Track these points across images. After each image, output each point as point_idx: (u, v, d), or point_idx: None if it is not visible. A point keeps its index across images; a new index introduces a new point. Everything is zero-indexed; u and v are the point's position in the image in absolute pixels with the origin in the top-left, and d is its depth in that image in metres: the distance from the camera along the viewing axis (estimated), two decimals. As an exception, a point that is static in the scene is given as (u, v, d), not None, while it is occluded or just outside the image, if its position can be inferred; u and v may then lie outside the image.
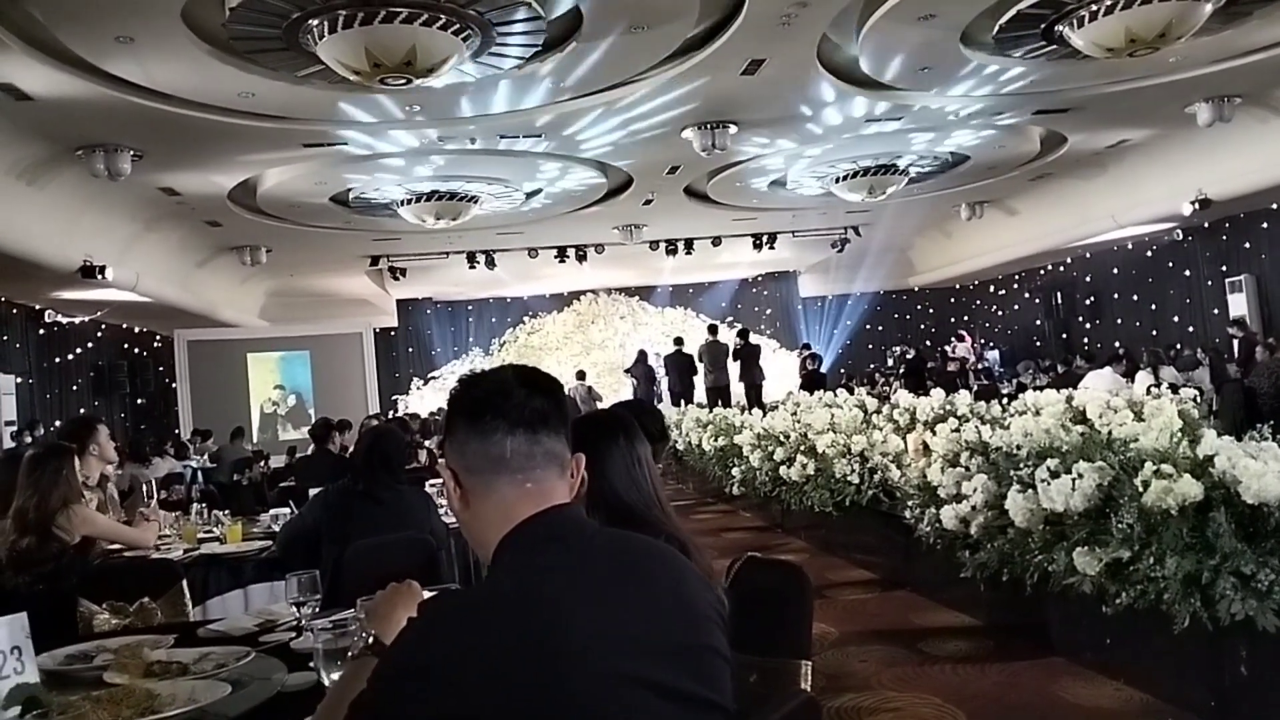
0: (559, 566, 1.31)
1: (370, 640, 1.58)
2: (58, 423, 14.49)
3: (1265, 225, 15.05)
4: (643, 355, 17.31)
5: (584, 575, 1.31)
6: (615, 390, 19.38)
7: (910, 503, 5.23)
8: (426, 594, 1.70)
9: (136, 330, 18.17)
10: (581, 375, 17.59)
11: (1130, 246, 17.58)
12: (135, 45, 7.30)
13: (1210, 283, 16.20)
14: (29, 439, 11.78)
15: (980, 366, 19.03)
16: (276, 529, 4.57)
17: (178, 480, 9.14)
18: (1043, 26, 8.36)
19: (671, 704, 1.25)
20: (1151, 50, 7.74)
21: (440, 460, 1.57)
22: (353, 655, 1.61)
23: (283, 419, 17.86)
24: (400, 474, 4.05)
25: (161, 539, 4.42)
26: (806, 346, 18.82)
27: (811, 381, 15.46)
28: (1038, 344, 20.21)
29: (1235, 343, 13.30)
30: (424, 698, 1.19)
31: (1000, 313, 22.08)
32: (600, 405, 16.27)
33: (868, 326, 22.70)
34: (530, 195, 13.50)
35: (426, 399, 19.62)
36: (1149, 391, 5.95)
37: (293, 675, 2.09)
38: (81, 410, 14.98)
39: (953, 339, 20.68)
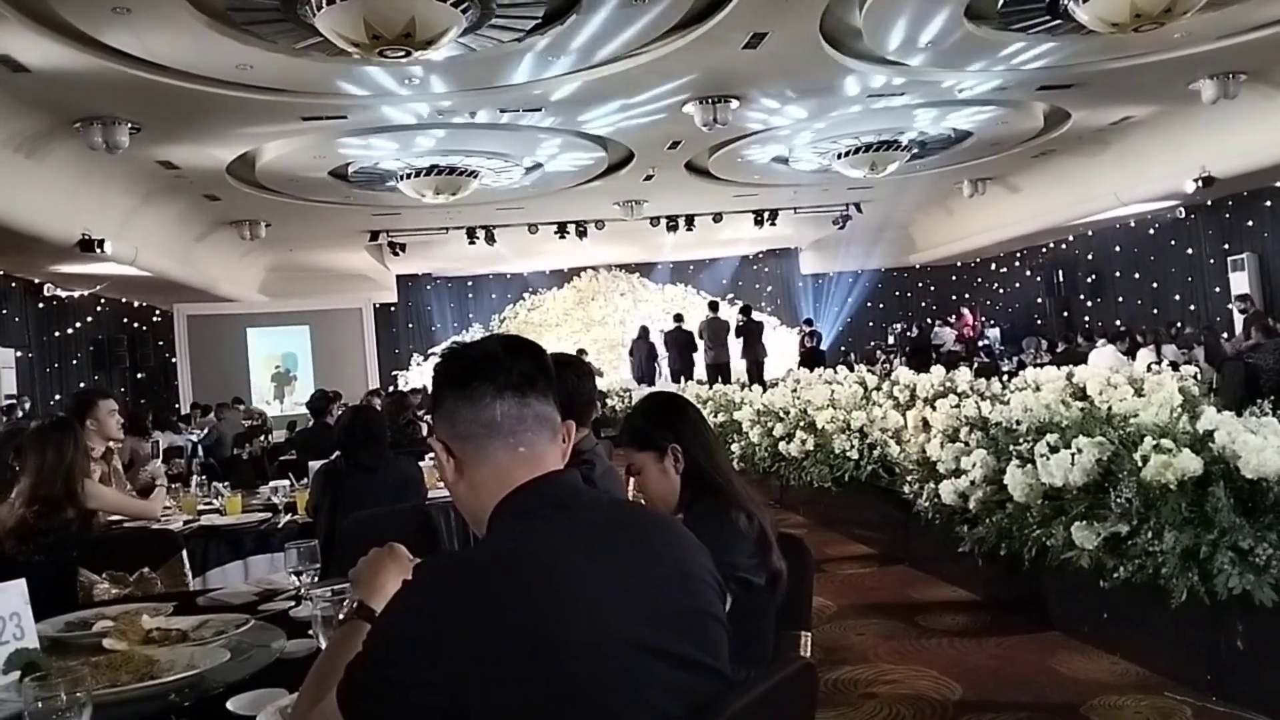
0: (557, 530, 1.31)
1: (355, 604, 1.59)
2: (57, 396, 14.52)
3: (1268, 203, 15.00)
4: (644, 331, 17.32)
5: (583, 540, 1.31)
6: (615, 367, 19.41)
7: (909, 478, 5.25)
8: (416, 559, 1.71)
9: (136, 305, 18.15)
10: (582, 353, 17.57)
11: (1133, 224, 17.52)
12: (132, 16, 7.24)
13: (1212, 261, 16.16)
14: (19, 414, 11.74)
15: (981, 345, 19.01)
16: (276, 501, 4.59)
17: (177, 454, 9.15)
18: (1047, 1, 8.29)
19: (671, 668, 1.25)
20: (1157, 25, 7.67)
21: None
22: (340, 620, 1.62)
23: (286, 392, 17.89)
24: (384, 446, 4.09)
25: (162, 510, 4.43)
26: (809, 322, 18.80)
27: (810, 358, 15.46)
28: (1039, 322, 20.19)
29: (1242, 319, 13.25)
30: (422, 660, 1.19)
31: (1001, 290, 22.03)
32: (599, 380, 16.37)
33: (868, 304, 22.67)
34: (530, 170, 13.44)
35: (427, 375, 19.62)
36: (1150, 368, 5.96)
37: (291, 642, 2.10)
38: (81, 384, 14.98)
39: (937, 323, 20.62)
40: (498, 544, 1.36)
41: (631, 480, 2.35)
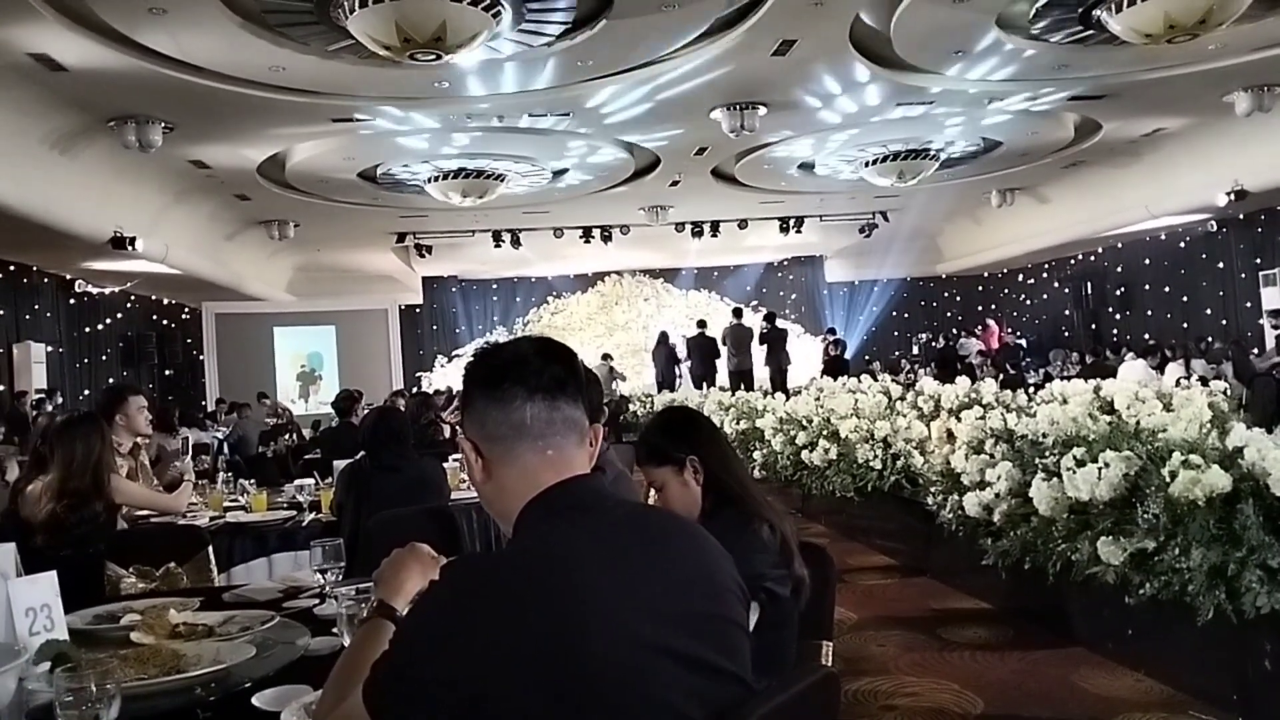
0: (582, 534, 1.31)
1: (376, 603, 1.61)
2: (86, 392, 14.69)
3: (1302, 218, 14.80)
4: (664, 337, 17.32)
5: (606, 544, 1.31)
6: (638, 372, 19.42)
7: (933, 489, 5.21)
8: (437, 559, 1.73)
9: (165, 302, 18.35)
10: (607, 357, 17.69)
11: (1163, 237, 17.34)
12: (167, 17, 7.34)
13: (1244, 275, 15.95)
14: (49, 407, 11.88)
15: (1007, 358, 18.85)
16: (301, 499, 4.62)
17: (204, 450, 9.25)
18: (1080, 10, 8.24)
19: (692, 673, 1.25)
20: (1191, 37, 7.60)
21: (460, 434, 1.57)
22: (362, 619, 1.64)
23: (312, 392, 18.05)
24: (408, 447, 4.11)
25: (188, 507, 4.47)
26: (832, 331, 18.74)
27: (834, 367, 15.41)
28: (1066, 334, 20.01)
29: (1275, 334, 13.06)
30: (446, 660, 1.20)
31: (1029, 302, 21.86)
32: (622, 384, 16.49)
33: (894, 313, 22.54)
34: (557, 174, 13.49)
35: (450, 377, 19.70)
36: (1178, 383, 5.90)
37: (316, 639, 2.12)
38: (110, 380, 15.15)
39: (961, 334, 20.47)
40: (522, 546, 1.37)
41: (653, 494, 2.37)
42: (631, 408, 15.37)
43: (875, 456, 6.27)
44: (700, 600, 1.33)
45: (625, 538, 1.34)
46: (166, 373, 18.09)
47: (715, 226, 17.33)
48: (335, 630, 2.05)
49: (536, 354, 1.43)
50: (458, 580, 1.29)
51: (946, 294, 23.01)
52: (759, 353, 15.39)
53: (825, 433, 7.01)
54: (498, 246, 17.20)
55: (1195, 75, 9.98)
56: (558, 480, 1.38)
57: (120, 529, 3.81)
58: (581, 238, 17.20)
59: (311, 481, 4.83)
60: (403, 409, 8.90)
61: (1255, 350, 13.92)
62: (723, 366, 15.53)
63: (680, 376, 16.70)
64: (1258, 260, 15.58)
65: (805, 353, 18.81)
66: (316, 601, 2.51)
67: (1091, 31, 8.60)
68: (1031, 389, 7.13)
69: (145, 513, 4.27)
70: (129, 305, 16.93)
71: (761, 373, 15.31)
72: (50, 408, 11.92)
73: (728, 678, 1.30)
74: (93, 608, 2.42)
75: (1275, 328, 13.19)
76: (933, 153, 13.15)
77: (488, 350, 1.47)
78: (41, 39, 7.63)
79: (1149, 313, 18.20)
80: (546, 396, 1.40)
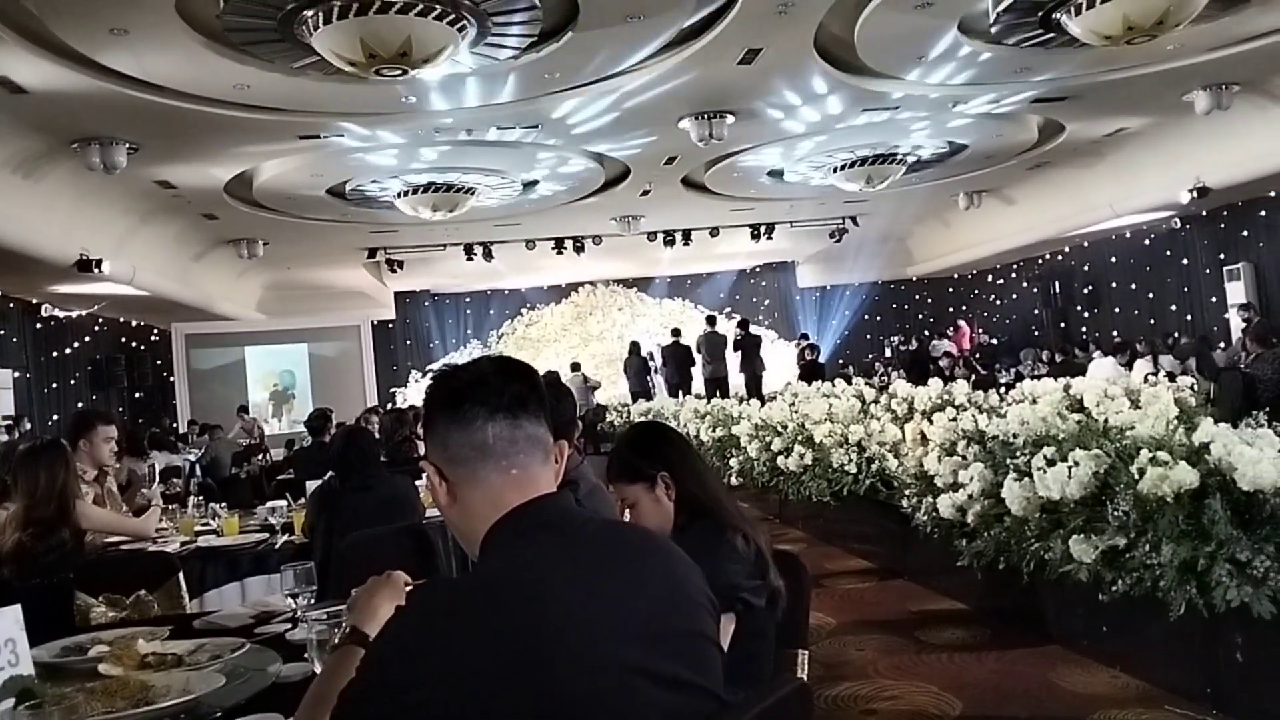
0: (550, 553, 1.31)
1: (349, 630, 1.59)
2: (55, 417, 14.48)
3: (1263, 213, 15.01)
4: (635, 347, 17.33)
5: (575, 562, 1.30)
6: (613, 382, 19.44)
7: (907, 492, 5.25)
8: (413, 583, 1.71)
9: (134, 324, 18.14)
10: (576, 367, 17.67)
11: (1128, 235, 17.56)
12: (130, 37, 7.27)
13: (1208, 271, 16.18)
14: (17, 434, 11.71)
15: (978, 357, 19.01)
16: (273, 522, 4.58)
17: (175, 473, 9.14)
18: (1040, 14, 8.34)
19: (664, 690, 1.25)
20: (1149, 38, 7.70)
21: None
22: (334, 645, 1.62)
23: (285, 411, 17.89)
24: (378, 465, 4.10)
25: (158, 532, 4.42)
26: (805, 337, 18.83)
27: (810, 372, 15.47)
28: (1036, 333, 20.21)
29: (1243, 328, 13.20)
30: (415, 683, 1.18)
31: (998, 302, 22.06)
32: (597, 393, 16.51)
33: (866, 317, 22.68)
34: (527, 186, 13.48)
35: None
36: (1146, 379, 5.97)
37: (287, 666, 2.10)
38: (80, 404, 14.96)
39: (936, 336, 20.63)
40: (490, 568, 1.36)
41: (627, 511, 2.36)
42: (609, 418, 15.37)
43: (850, 461, 6.30)
44: (672, 617, 1.32)
45: (595, 556, 1.34)
46: (136, 395, 17.88)
47: (687, 235, 17.36)
48: (307, 656, 2.03)
49: (495, 373, 1.42)
50: (427, 602, 1.29)
51: (917, 296, 23.18)
52: (733, 360, 15.43)
53: (800, 438, 7.04)
54: (470, 259, 17.14)
55: (1155, 75, 10.11)
56: (523, 500, 1.37)
57: (89, 557, 3.76)
58: (554, 249, 17.18)
59: (284, 503, 4.80)
60: (376, 425, 8.85)
61: (1221, 344, 14.12)
62: (698, 374, 15.55)
63: (654, 386, 16.71)
64: (1221, 256, 15.82)
65: (779, 358, 18.88)
66: (289, 626, 2.49)
67: (1052, 34, 8.69)
68: (1003, 389, 7.19)
69: (115, 539, 4.22)
70: (97, 328, 16.72)
71: (736, 379, 15.35)
72: (18, 434, 11.75)
73: (701, 693, 1.30)
74: (61, 639, 2.39)
75: (1245, 320, 13.34)
76: (900, 157, 13.25)
77: (446, 372, 1.46)
78: (1, 62, 7.52)
79: (1116, 310, 18.42)
80: (508, 415, 1.39)
